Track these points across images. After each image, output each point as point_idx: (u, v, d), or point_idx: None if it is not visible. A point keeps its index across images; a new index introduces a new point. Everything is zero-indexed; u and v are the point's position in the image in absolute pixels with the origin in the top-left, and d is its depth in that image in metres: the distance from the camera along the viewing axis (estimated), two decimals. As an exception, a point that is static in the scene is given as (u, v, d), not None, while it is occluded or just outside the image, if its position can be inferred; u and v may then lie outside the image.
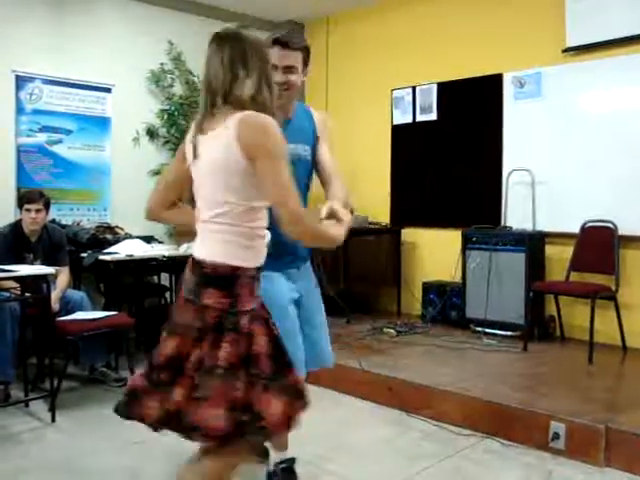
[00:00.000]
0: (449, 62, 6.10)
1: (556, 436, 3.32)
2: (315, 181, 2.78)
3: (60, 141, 5.62)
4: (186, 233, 5.16)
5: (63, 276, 4.51)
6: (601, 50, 5.09)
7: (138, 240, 5.38)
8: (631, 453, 3.13)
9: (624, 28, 4.93)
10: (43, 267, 4.12)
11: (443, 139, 6.21)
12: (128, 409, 2.04)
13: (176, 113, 6.24)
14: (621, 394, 3.92)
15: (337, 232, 2.07)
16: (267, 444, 2.76)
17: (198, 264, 1.94)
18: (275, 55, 2.53)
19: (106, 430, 3.69)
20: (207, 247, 1.96)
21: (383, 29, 6.66)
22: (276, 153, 1.87)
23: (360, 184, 6.74)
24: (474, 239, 5.54)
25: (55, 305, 4.26)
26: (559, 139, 5.38)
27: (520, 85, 5.62)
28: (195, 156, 1.96)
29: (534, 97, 5.54)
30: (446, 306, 5.85)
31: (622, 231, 4.90)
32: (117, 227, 5.65)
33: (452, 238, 5.80)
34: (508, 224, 5.61)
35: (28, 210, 4.40)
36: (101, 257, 4.83)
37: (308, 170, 2.73)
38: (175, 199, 2.19)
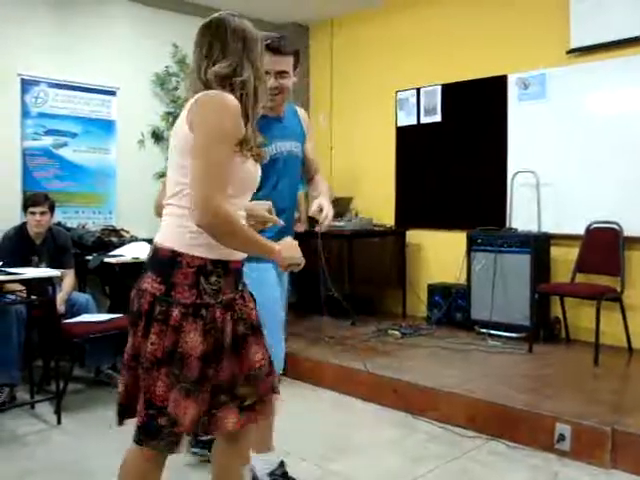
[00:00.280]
0: (453, 64, 6.10)
1: (562, 438, 3.31)
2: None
3: (65, 144, 5.64)
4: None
5: (68, 279, 4.52)
6: (606, 51, 5.08)
7: (143, 243, 5.38)
8: (637, 455, 3.12)
9: (629, 29, 4.92)
10: (48, 270, 4.14)
11: (447, 141, 6.21)
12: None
13: (181, 116, 6.26)
14: (627, 396, 3.90)
15: (288, 248, 1.94)
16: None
17: (151, 248, 1.90)
18: (267, 61, 2.57)
19: (112, 432, 3.69)
20: (160, 231, 1.90)
21: (387, 31, 6.66)
22: (215, 132, 1.75)
23: (364, 186, 6.76)
24: (479, 241, 5.53)
25: (61, 307, 4.28)
26: (564, 140, 5.37)
27: (524, 86, 5.62)
28: None
29: (538, 98, 5.53)
30: (451, 308, 5.85)
31: (627, 232, 4.89)
32: (122, 230, 5.66)
33: (457, 240, 5.80)
34: (513, 226, 5.60)
35: (33, 213, 4.41)
36: (106, 260, 4.84)
37: (299, 166, 2.84)
38: None
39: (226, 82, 1.87)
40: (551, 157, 5.44)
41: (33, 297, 3.99)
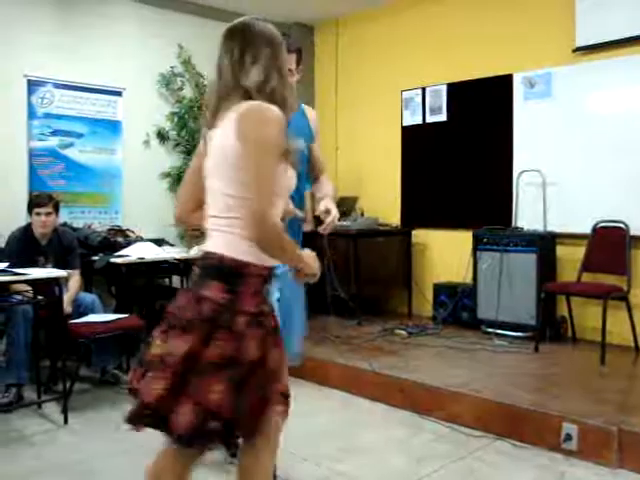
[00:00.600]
0: (459, 63, 6.09)
1: (568, 437, 3.31)
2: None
3: (71, 145, 5.65)
4: (197, 237, 5.19)
5: (74, 279, 4.53)
6: (612, 49, 5.07)
7: (149, 243, 5.41)
8: (644, 454, 3.12)
9: (634, 27, 4.90)
10: (55, 270, 4.14)
11: (453, 140, 6.20)
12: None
13: (186, 116, 6.27)
14: (634, 395, 3.89)
15: (309, 259, 1.96)
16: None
17: (204, 256, 1.90)
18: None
19: (118, 432, 3.69)
20: (215, 241, 1.90)
21: (392, 30, 6.66)
22: (266, 146, 1.78)
23: (370, 185, 6.76)
24: (485, 240, 5.52)
25: (67, 308, 4.29)
26: (570, 139, 5.35)
27: (530, 85, 5.60)
28: (207, 151, 1.93)
29: (544, 97, 5.52)
30: (457, 307, 5.84)
31: (634, 231, 4.87)
32: (128, 230, 5.68)
33: (463, 239, 5.79)
34: (519, 225, 5.59)
35: (38, 214, 4.42)
36: (112, 260, 4.85)
37: (305, 166, 2.80)
38: (201, 199, 2.03)
39: (262, 90, 1.87)
40: (557, 156, 5.42)
41: (40, 297, 4.00)
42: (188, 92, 6.38)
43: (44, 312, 4.19)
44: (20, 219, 4.78)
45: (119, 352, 4.66)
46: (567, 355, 4.85)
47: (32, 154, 5.41)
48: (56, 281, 3.92)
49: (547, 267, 5.23)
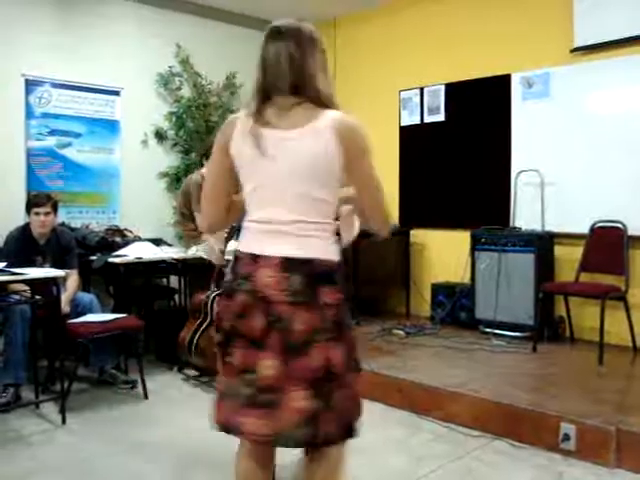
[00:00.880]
0: (457, 63, 6.09)
1: (566, 437, 3.31)
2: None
3: (69, 144, 5.65)
4: (195, 237, 5.19)
5: (72, 279, 4.52)
6: (610, 50, 5.07)
7: (147, 243, 5.41)
8: (642, 454, 3.12)
9: (633, 27, 4.90)
10: (53, 270, 4.14)
11: (451, 140, 6.20)
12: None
13: (184, 115, 6.27)
14: (632, 395, 3.89)
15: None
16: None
17: (302, 263, 1.85)
18: None
19: (116, 432, 3.71)
20: (308, 245, 1.88)
21: (390, 30, 6.66)
22: (371, 155, 1.96)
23: (368, 185, 6.75)
24: (483, 240, 5.53)
25: (65, 307, 4.28)
26: (568, 139, 5.36)
27: (528, 85, 5.61)
28: (260, 149, 1.87)
29: (542, 97, 5.52)
30: (455, 307, 5.84)
31: (632, 231, 4.87)
32: (126, 230, 5.67)
33: (461, 239, 5.79)
34: (517, 225, 5.59)
35: (37, 214, 4.41)
36: (110, 260, 4.85)
37: None
38: (228, 203, 2.03)
39: (330, 98, 1.94)
40: (555, 156, 5.43)
41: (38, 297, 4.00)
42: (186, 92, 6.37)
43: (42, 312, 4.18)
44: (18, 219, 4.78)
45: (117, 352, 4.66)
46: (565, 355, 4.86)
47: (30, 154, 5.40)
48: (54, 281, 3.92)
49: (545, 267, 5.23)
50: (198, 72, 6.38)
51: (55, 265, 4.40)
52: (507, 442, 3.49)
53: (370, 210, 1.98)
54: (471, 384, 3.96)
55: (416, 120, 6.49)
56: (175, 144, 6.33)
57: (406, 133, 6.59)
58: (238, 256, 1.96)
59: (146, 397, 4.32)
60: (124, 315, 4.50)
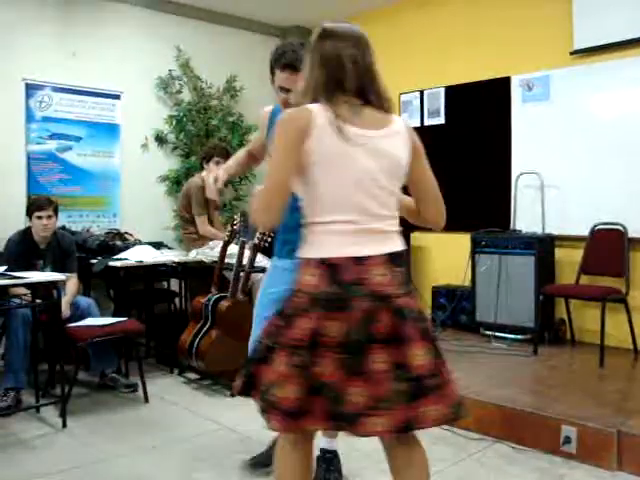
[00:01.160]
0: (457, 66, 6.09)
1: (567, 440, 3.30)
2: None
3: (70, 148, 5.65)
4: (195, 240, 5.19)
5: (72, 282, 4.52)
6: (610, 52, 5.08)
7: (148, 246, 5.40)
8: (643, 457, 3.11)
9: (633, 29, 4.91)
10: (53, 273, 4.14)
11: (451, 143, 6.20)
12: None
13: (184, 119, 6.27)
14: (633, 398, 3.88)
15: None
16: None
17: (399, 256, 1.98)
18: (284, 78, 2.63)
19: (117, 436, 3.70)
20: (398, 240, 2.03)
21: (390, 33, 6.66)
22: None
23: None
24: (483, 243, 5.53)
25: (66, 311, 4.28)
26: (568, 142, 5.36)
27: (528, 88, 5.61)
28: (350, 145, 1.87)
29: (542, 100, 5.52)
30: (456, 310, 5.84)
31: (632, 233, 4.88)
32: (127, 233, 5.68)
33: (461, 242, 5.79)
34: (517, 227, 5.59)
35: (39, 217, 4.41)
36: (111, 263, 4.85)
37: None
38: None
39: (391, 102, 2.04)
40: (555, 158, 5.43)
41: (38, 301, 4.00)
42: (186, 95, 6.37)
43: (42, 316, 4.19)
44: (18, 223, 4.78)
45: (118, 356, 4.65)
46: (566, 358, 4.85)
47: (30, 158, 5.41)
48: (54, 285, 3.92)
49: (545, 270, 5.23)
50: (198, 75, 6.38)
51: (55, 269, 4.40)
52: (508, 445, 3.49)
53: (435, 202, 2.16)
54: (472, 387, 3.95)
55: (416, 123, 6.48)
56: (175, 148, 6.33)
57: (406, 136, 6.58)
58: (331, 264, 1.87)
59: (147, 401, 4.32)
60: (124, 319, 4.50)
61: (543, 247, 5.25)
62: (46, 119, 5.51)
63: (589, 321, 5.09)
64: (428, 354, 1.91)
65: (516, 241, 5.32)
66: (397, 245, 1.99)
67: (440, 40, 6.26)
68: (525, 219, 5.59)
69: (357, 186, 1.90)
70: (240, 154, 3.12)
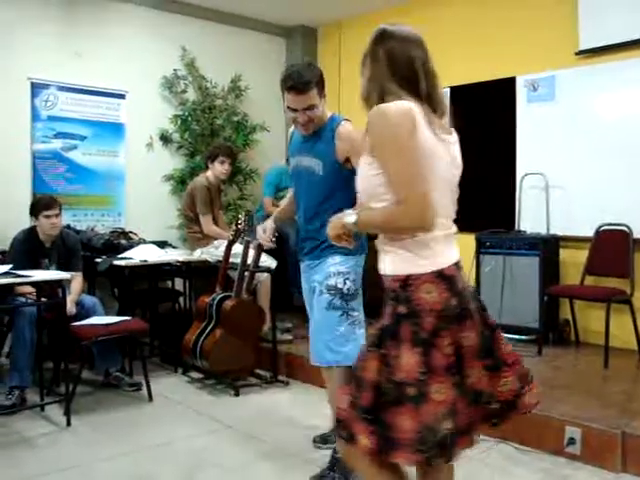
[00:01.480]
0: (462, 66, 6.07)
1: (572, 441, 3.30)
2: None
3: (75, 147, 5.67)
4: (200, 239, 5.19)
5: (77, 281, 4.53)
6: (615, 52, 5.06)
7: (152, 245, 5.42)
8: (648, 458, 3.11)
9: (638, 30, 4.89)
10: (59, 272, 4.16)
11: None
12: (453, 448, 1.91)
13: (189, 118, 6.28)
14: (637, 399, 3.87)
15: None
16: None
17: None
18: (292, 100, 2.78)
19: (121, 434, 3.71)
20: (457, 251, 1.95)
21: (395, 33, 6.64)
22: None
23: (373, 188, 6.74)
24: (488, 243, 5.51)
25: (72, 309, 4.29)
26: (573, 142, 5.35)
27: (533, 88, 5.60)
28: (445, 146, 1.90)
29: (547, 100, 5.51)
30: (460, 310, 5.82)
31: (637, 234, 4.86)
32: (131, 232, 5.69)
33: (466, 242, 5.74)
34: (522, 228, 5.58)
35: (48, 217, 4.41)
36: (115, 262, 4.86)
37: (318, 182, 2.95)
38: None
39: None
40: (560, 159, 5.42)
41: (44, 299, 4.01)
42: (191, 95, 6.38)
43: (48, 314, 4.20)
44: (24, 221, 4.79)
45: (122, 354, 4.66)
46: (570, 358, 4.84)
47: (36, 157, 5.43)
48: (59, 283, 3.93)
49: (550, 270, 5.22)
50: (203, 75, 6.39)
51: (60, 267, 4.41)
52: (512, 446, 3.48)
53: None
54: (476, 387, 3.94)
55: (421, 123, 6.47)
56: (180, 147, 6.34)
57: (411, 136, 6.57)
58: (446, 276, 1.83)
59: (151, 399, 4.33)
60: (129, 317, 4.51)
61: (548, 248, 5.24)
62: (51, 118, 5.52)
63: (594, 322, 5.07)
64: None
65: (521, 242, 5.31)
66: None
67: (445, 40, 6.23)
68: (530, 220, 5.58)
69: (446, 187, 1.90)
70: (284, 201, 3.41)
